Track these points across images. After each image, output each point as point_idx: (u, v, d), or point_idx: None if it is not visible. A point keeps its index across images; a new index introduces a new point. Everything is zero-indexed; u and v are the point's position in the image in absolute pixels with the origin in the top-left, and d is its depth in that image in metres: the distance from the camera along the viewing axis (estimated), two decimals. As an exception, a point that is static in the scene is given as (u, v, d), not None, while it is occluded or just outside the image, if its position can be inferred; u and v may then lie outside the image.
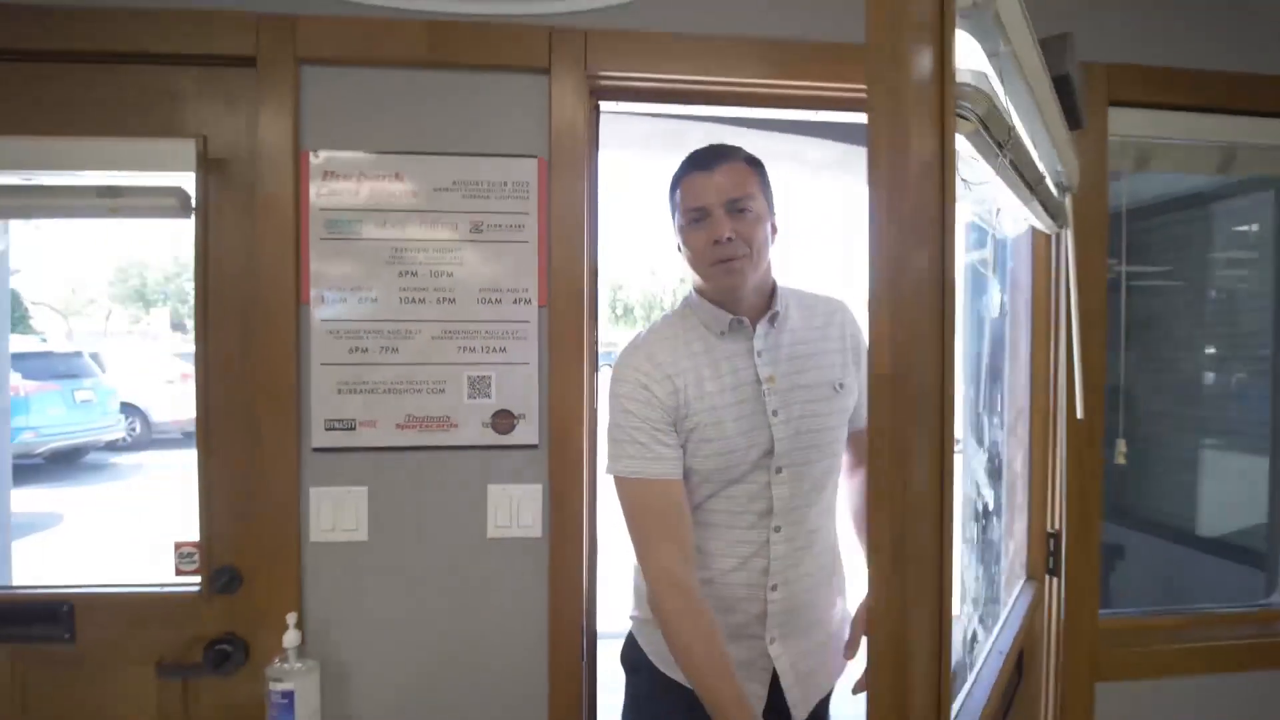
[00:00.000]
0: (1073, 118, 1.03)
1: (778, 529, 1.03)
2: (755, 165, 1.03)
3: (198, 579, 1.18)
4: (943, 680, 0.57)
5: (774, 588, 1.04)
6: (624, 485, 1.00)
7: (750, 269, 0.99)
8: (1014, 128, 0.76)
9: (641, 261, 18.74)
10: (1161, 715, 1.43)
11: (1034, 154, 0.92)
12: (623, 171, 2.90)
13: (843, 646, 1.06)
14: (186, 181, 1.14)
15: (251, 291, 1.17)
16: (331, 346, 1.18)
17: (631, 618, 1.15)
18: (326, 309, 1.18)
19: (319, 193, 1.17)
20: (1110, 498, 2.40)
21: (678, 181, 1.04)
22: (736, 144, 1.05)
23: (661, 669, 1.08)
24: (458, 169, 1.20)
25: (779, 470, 1.02)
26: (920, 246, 0.52)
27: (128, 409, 7.20)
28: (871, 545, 0.51)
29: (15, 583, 1.53)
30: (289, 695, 1.09)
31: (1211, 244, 2.06)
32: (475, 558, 1.23)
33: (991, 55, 0.69)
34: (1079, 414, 1.29)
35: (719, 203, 0.97)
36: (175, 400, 7.34)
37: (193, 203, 1.14)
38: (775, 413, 1.02)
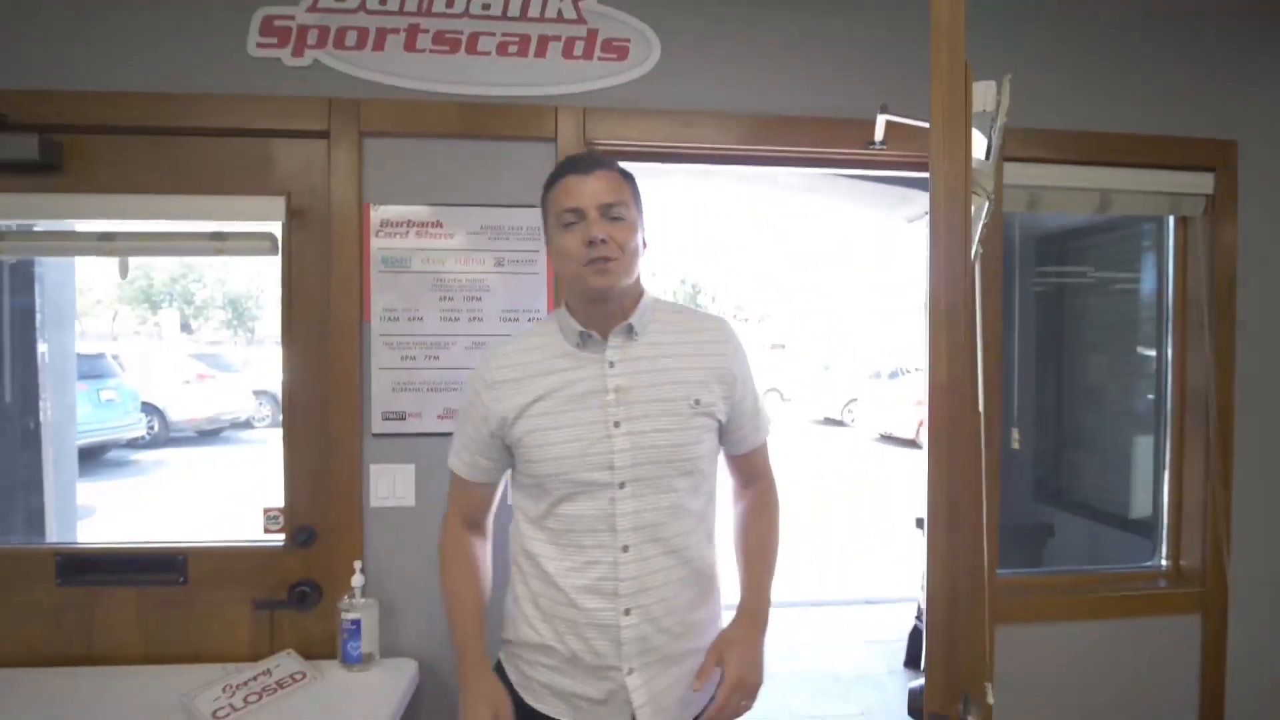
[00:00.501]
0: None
1: (625, 548, 1.00)
2: (628, 177, 1.05)
3: (282, 536, 1.52)
4: (988, 619, 0.84)
5: (626, 612, 1.00)
6: (451, 474, 1.13)
7: (622, 273, 0.99)
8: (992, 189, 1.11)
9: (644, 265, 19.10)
10: (1045, 652, 1.77)
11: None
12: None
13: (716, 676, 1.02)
14: (275, 228, 1.48)
15: (325, 312, 1.51)
16: (386, 355, 1.53)
17: (502, 641, 1.14)
18: (383, 325, 1.52)
19: (377, 236, 1.52)
20: (1044, 485, 2.74)
21: (552, 183, 1.04)
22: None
23: (527, 700, 1.07)
24: (484, 217, 1.54)
25: (622, 485, 0.99)
26: (958, 283, 0.79)
27: (147, 408, 7.51)
28: (930, 519, 0.78)
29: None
30: (356, 623, 1.43)
31: (1125, 259, 2.41)
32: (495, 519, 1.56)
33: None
34: (980, 407, 1.62)
35: (594, 205, 0.98)
36: (191, 400, 7.66)
37: (279, 244, 1.48)
38: (618, 424, 0.99)
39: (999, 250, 1.72)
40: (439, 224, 1.53)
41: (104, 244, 1.47)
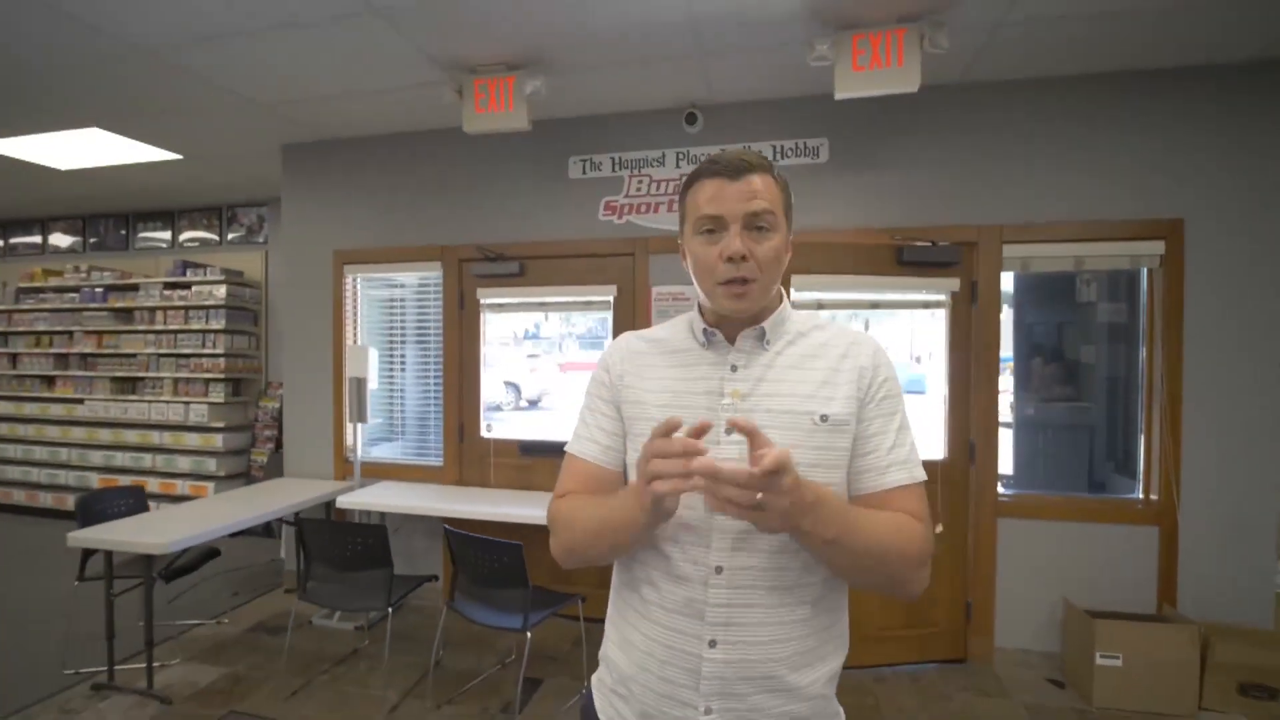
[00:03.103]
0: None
1: (719, 569, 0.85)
2: (780, 182, 0.91)
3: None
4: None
5: (712, 643, 0.85)
6: (565, 463, 1.01)
7: (760, 294, 0.89)
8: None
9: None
10: (1035, 541, 2.93)
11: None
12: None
13: None
14: (610, 298, 3.28)
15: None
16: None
17: (592, 679, 1.02)
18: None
19: (655, 301, 3.24)
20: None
21: (694, 182, 0.91)
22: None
23: None
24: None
25: None
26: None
27: (509, 385, 10.40)
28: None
29: (526, 448, 3.89)
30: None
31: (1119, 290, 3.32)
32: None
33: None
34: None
35: (739, 215, 0.86)
36: (531, 381, 10.43)
37: (611, 305, 3.28)
38: (730, 431, 0.82)
39: (996, 302, 2.93)
40: (684, 296, 3.21)
41: (542, 308, 3.41)
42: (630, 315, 3.30)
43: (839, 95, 2.50)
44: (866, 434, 0.90)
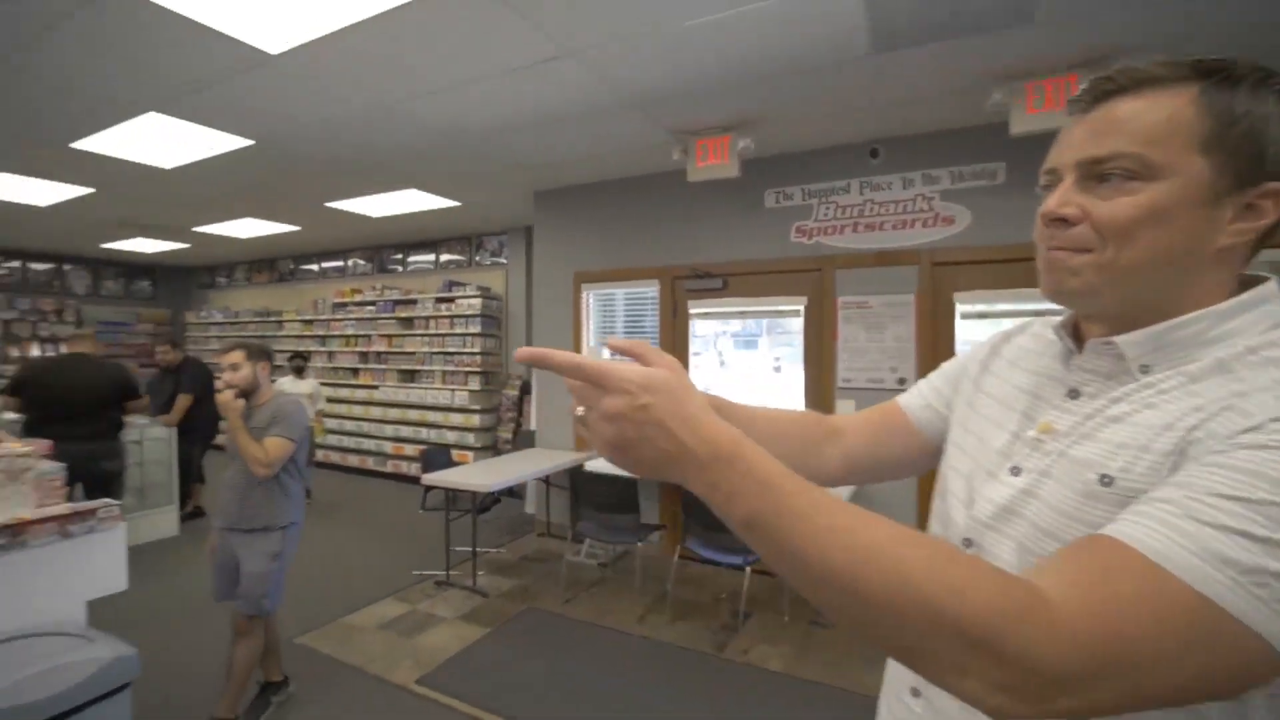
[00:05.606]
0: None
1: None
2: (1211, 104, 0.52)
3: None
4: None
5: (915, 692, 0.68)
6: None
7: (1099, 277, 0.56)
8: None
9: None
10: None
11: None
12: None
13: None
14: (801, 308, 3.93)
15: (821, 337, 3.89)
16: (844, 357, 3.84)
17: None
18: (844, 344, 3.83)
19: (841, 309, 3.82)
20: None
21: None
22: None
23: None
24: (886, 297, 3.72)
25: (967, 543, 0.64)
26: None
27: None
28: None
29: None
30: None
31: None
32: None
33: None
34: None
35: (1069, 163, 0.58)
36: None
37: (803, 313, 3.92)
38: (1016, 471, 0.61)
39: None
40: (868, 303, 3.76)
41: (741, 315, 4.15)
42: (818, 321, 3.92)
43: (1015, 131, 2.92)
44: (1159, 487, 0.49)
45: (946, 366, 0.84)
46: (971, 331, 3.54)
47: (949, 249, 3.55)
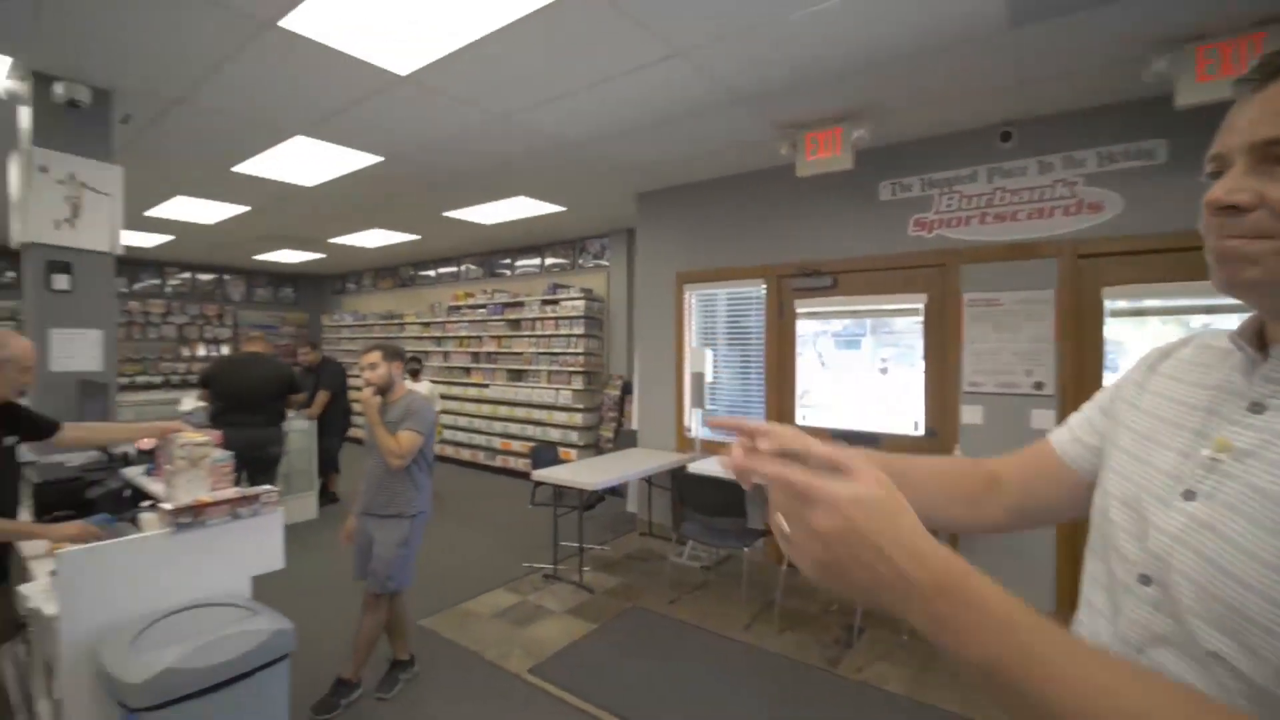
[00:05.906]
0: None
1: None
2: None
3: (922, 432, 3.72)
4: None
5: (1144, 579, 0.57)
6: None
7: None
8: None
9: None
10: None
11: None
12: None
13: None
14: (920, 306, 3.69)
15: (946, 334, 3.63)
16: (969, 357, 3.56)
17: None
18: (970, 344, 3.55)
19: (968, 306, 3.55)
20: None
21: None
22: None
23: None
24: (1020, 294, 3.41)
25: (1145, 580, 0.56)
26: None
27: None
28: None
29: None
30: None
31: None
32: (1022, 433, 3.42)
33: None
34: None
35: (1241, 146, 0.51)
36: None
37: (923, 312, 3.68)
38: (1190, 495, 0.54)
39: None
40: (998, 300, 3.46)
41: (855, 315, 3.96)
42: (939, 320, 3.66)
43: (1180, 103, 2.58)
44: None
45: (1099, 395, 0.77)
46: (1123, 331, 3.16)
47: (1096, 239, 3.19)
